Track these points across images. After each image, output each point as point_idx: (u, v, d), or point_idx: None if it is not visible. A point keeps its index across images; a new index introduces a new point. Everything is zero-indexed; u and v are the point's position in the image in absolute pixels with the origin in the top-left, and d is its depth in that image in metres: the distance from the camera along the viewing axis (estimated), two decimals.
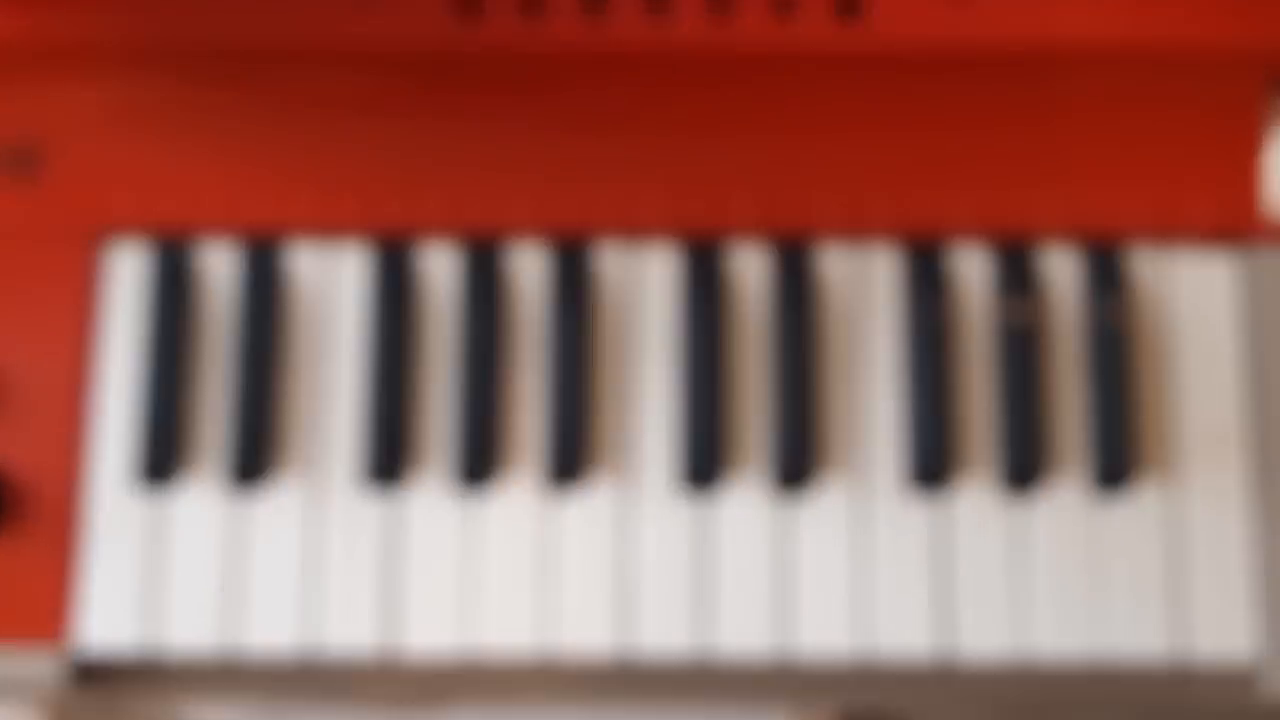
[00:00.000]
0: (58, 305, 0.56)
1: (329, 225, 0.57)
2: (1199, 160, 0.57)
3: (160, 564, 0.55)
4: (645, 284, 0.57)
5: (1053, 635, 0.54)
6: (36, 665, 0.54)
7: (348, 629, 0.54)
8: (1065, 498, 0.55)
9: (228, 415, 0.56)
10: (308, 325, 0.57)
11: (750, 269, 0.57)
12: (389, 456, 0.55)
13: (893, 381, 0.56)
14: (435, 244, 0.57)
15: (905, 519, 0.55)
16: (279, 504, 0.56)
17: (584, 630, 0.54)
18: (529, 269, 0.57)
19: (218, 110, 0.58)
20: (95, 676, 0.55)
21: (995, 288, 0.57)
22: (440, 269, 0.57)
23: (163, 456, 0.56)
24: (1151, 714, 0.57)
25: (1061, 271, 0.57)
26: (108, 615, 0.55)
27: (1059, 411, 0.56)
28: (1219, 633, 0.54)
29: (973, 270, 0.57)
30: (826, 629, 0.55)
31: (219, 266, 0.57)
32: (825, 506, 0.56)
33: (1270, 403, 0.56)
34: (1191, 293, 0.57)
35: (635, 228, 0.57)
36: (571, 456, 0.55)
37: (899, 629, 0.55)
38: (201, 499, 0.56)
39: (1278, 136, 0.57)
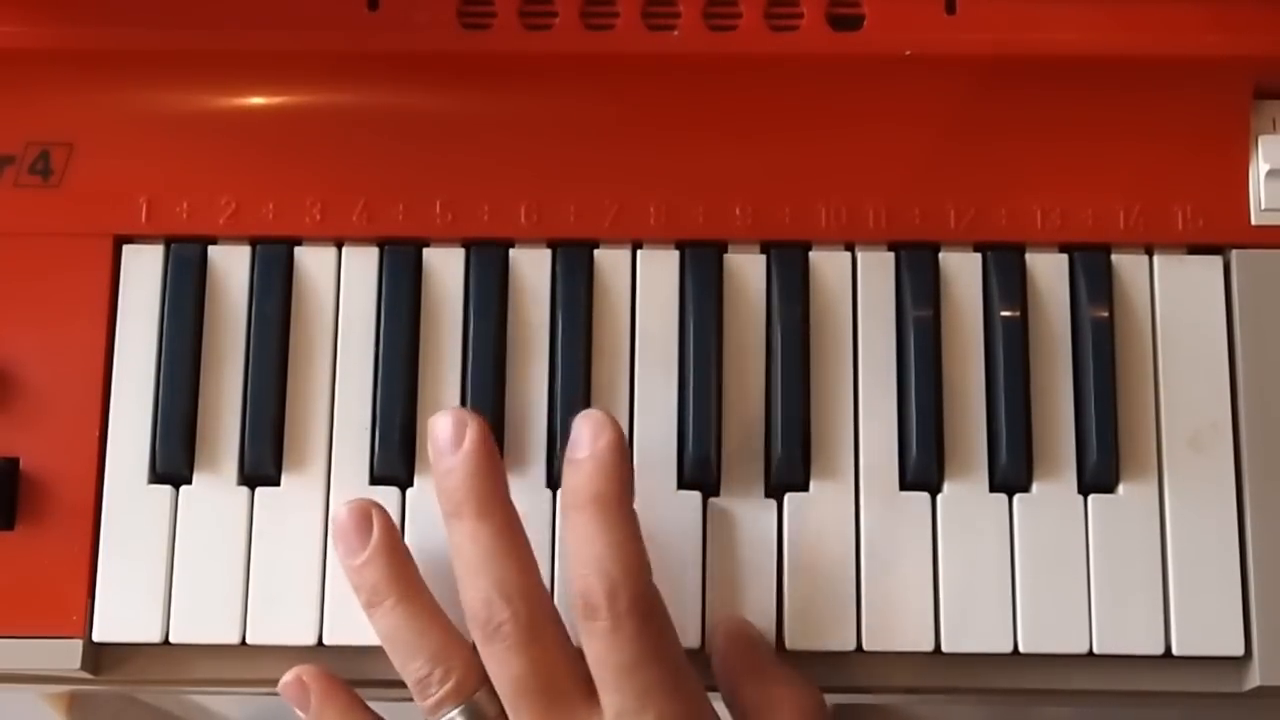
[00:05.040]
0: (76, 304, 0.57)
1: (339, 227, 0.58)
2: (1186, 165, 0.58)
3: (176, 558, 0.55)
4: (646, 285, 0.58)
5: (1043, 630, 0.55)
6: (55, 656, 0.54)
7: (363, 623, 0.54)
8: (1055, 495, 0.56)
9: (243, 412, 0.56)
10: (321, 323, 0.57)
11: (749, 270, 0.58)
12: (398, 454, 0.56)
13: (886, 383, 0.57)
14: (441, 246, 0.58)
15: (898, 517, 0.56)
16: (295, 499, 0.56)
17: None
18: (533, 270, 0.58)
19: (232, 115, 0.58)
20: (112, 668, 0.55)
21: (985, 290, 0.58)
22: (446, 270, 0.58)
23: (179, 451, 0.56)
24: (1142, 707, 0.57)
25: (1050, 275, 0.58)
26: (125, 608, 0.55)
27: (1049, 412, 0.57)
28: (1209, 627, 0.55)
29: (964, 272, 0.58)
30: (825, 626, 0.55)
31: (233, 266, 0.58)
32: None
33: (1258, 402, 0.56)
34: (1179, 296, 0.58)
35: (636, 230, 0.58)
36: None
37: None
38: (218, 493, 0.56)
39: (1261, 141, 0.58)
